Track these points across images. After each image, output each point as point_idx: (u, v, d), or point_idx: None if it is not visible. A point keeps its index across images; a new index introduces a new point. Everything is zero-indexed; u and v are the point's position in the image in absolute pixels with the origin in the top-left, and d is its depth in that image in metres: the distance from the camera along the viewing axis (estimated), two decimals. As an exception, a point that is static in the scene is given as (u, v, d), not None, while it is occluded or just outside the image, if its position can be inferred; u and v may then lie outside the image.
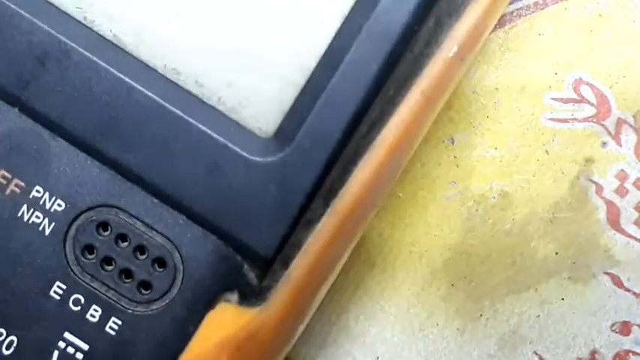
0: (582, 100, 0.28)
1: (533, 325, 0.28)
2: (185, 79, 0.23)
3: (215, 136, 0.22)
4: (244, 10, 0.23)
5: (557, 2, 0.28)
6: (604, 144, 0.28)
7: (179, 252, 0.22)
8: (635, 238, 0.28)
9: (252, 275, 0.23)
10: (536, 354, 0.28)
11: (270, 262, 0.23)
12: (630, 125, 0.28)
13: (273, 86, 0.23)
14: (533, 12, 0.29)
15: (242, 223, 0.22)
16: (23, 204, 0.22)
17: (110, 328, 0.22)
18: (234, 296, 0.22)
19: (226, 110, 0.23)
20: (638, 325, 0.28)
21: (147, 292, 0.22)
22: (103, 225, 0.22)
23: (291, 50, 0.23)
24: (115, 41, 0.23)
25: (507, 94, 0.28)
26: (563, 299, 0.28)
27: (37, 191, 0.22)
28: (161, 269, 0.22)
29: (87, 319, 0.22)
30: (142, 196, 0.22)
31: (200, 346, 0.22)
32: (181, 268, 0.22)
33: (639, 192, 0.28)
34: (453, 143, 0.29)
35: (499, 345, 0.28)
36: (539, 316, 0.28)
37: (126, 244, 0.22)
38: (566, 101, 0.28)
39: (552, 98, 0.28)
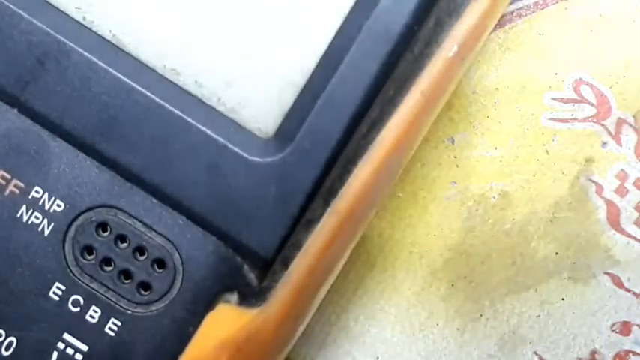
0: (582, 100, 0.28)
1: (533, 325, 0.28)
2: (184, 80, 0.23)
3: (214, 136, 0.22)
4: (244, 10, 0.23)
5: (557, 2, 0.28)
6: (604, 144, 0.28)
7: (179, 253, 0.22)
8: (635, 238, 0.28)
9: (251, 276, 0.23)
10: (536, 354, 0.28)
11: (270, 263, 0.22)
12: (630, 125, 0.28)
13: (273, 86, 0.23)
14: (533, 12, 0.29)
15: (242, 223, 0.22)
16: (22, 204, 0.22)
17: (109, 328, 0.22)
18: (233, 297, 0.22)
19: (226, 110, 0.23)
20: (638, 325, 0.28)
21: (146, 292, 0.22)
22: (103, 225, 0.22)
23: (291, 50, 0.23)
24: (114, 41, 0.23)
25: (507, 94, 0.28)
26: (563, 299, 0.28)
27: (37, 192, 0.22)
28: (161, 270, 0.22)
29: (86, 320, 0.22)
30: (142, 197, 0.22)
31: (200, 347, 0.22)
32: (181, 268, 0.22)
33: (639, 192, 0.28)
34: (453, 143, 0.29)
35: (499, 345, 0.28)
36: (539, 316, 0.28)
37: (125, 244, 0.22)
38: (566, 101, 0.28)
39: (552, 98, 0.28)
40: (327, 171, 0.22)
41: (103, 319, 0.22)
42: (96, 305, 0.22)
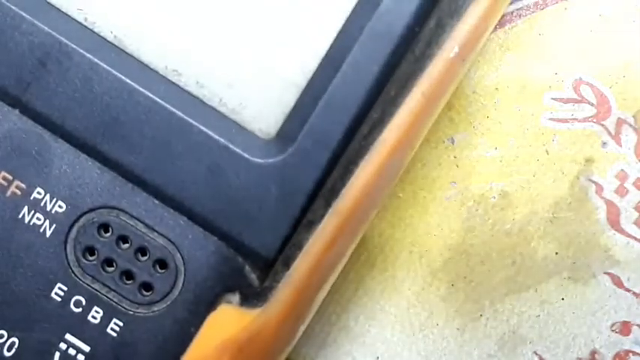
0: (582, 100, 0.28)
1: (533, 325, 0.28)
2: (186, 80, 0.23)
3: (216, 137, 0.22)
4: (245, 11, 0.23)
5: (557, 2, 0.28)
6: (604, 144, 0.28)
7: (180, 253, 0.22)
8: (635, 238, 0.28)
9: (253, 276, 0.23)
10: (536, 354, 0.28)
11: (272, 263, 0.23)
12: (630, 125, 0.28)
13: (275, 87, 0.23)
14: (533, 12, 0.29)
15: (243, 224, 0.22)
16: (24, 206, 0.22)
17: (111, 329, 0.22)
18: (235, 297, 0.22)
19: (227, 111, 0.23)
20: (638, 325, 0.28)
21: (148, 293, 0.22)
22: (104, 226, 0.22)
23: (293, 51, 0.23)
24: (115, 42, 0.23)
25: (507, 94, 0.28)
26: (563, 299, 0.28)
27: (38, 193, 0.22)
28: (162, 271, 0.22)
29: (88, 321, 0.22)
30: (143, 198, 0.22)
31: (201, 348, 0.22)
32: (182, 269, 0.22)
33: (639, 192, 0.28)
34: (453, 143, 0.29)
35: (499, 345, 0.28)
36: (539, 316, 0.28)
37: (127, 245, 0.22)
38: (566, 101, 0.28)
39: (552, 98, 0.28)
40: (328, 171, 0.22)
41: (105, 320, 0.22)
42: (98, 306, 0.22)
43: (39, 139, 0.22)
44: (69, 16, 0.23)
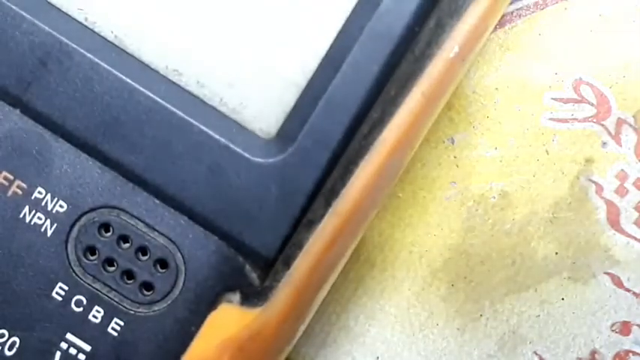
0: (582, 100, 0.28)
1: (533, 325, 0.28)
2: (186, 80, 0.23)
3: (216, 136, 0.22)
4: (245, 11, 0.23)
5: (557, 2, 0.28)
6: (604, 144, 0.28)
7: (181, 253, 0.22)
8: (635, 238, 0.28)
9: (253, 276, 0.23)
10: (536, 354, 0.28)
11: (272, 263, 0.23)
12: (630, 125, 0.28)
13: (275, 87, 0.23)
14: (533, 12, 0.29)
15: (244, 223, 0.22)
16: (25, 205, 0.22)
17: (112, 329, 0.22)
18: (235, 297, 0.23)
19: (228, 111, 0.23)
20: (638, 325, 0.28)
21: (149, 293, 0.22)
22: (105, 226, 0.22)
23: (293, 51, 0.23)
24: (116, 42, 0.23)
25: (507, 94, 0.28)
26: (563, 299, 0.28)
27: (39, 192, 0.22)
28: (163, 270, 0.22)
29: (89, 320, 0.22)
30: (144, 197, 0.22)
31: (202, 347, 0.22)
32: (183, 268, 0.22)
33: (639, 192, 0.28)
34: (453, 143, 0.29)
35: (499, 345, 0.28)
36: (539, 316, 0.28)
37: (128, 245, 0.22)
38: (566, 101, 0.28)
39: (552, 98, 0.28)
40: (328, 171, 0.22)
41: (106, 320, 0.22)
42: (99, 305, 0.22)
43: (40, 138, 0.22)
44: (69, 16, 0.23)
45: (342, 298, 0.29)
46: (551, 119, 0.28)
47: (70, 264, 0.22)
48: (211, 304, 0.22)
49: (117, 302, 0.22)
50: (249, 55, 0.23)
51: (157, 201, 0.22)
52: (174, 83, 0.23)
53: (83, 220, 0.22)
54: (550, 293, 0.28)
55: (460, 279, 0.29)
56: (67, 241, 0.22)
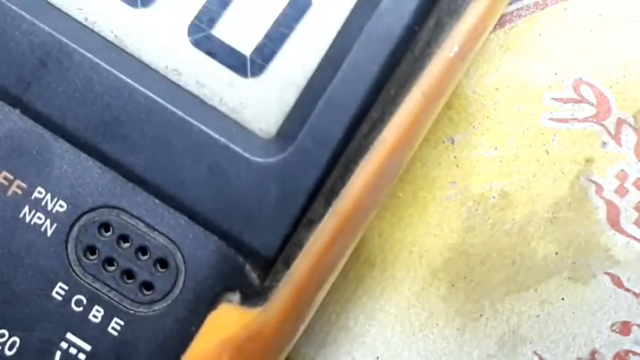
0: (582, 100, 0.28)
1: (533, 325, 0.28)
2: (186, 80, 0.23)
3: (216, 136, 0.22)
4: (245, 11, 0.23)
5: (557, 2, 0.28)
6: (604, 144, 0.28)
7: (181, 252, 0.22)
8: (635, 238, 0.28)
9: (253, 275, 0.23)
10: (536, 354, 0.28)
11: (272, 263, 0.23)
12: (630, 125, 0.28)
13: (275, 87, 0.23)
14: (533, 12, 0.29)
15: (244, 223, 0.22)
16: (25, 205, 0.22)
17: (112, 328, 0.22)
18: (235, 296, 0.23)
19: (227, 111, 0.23)
20: (638, 325, 0.28)
21: (149, 292, 0.22)
22: (105, 226, 0.22)
23: (293, 51, 0.23)
24: (116, 42, 0.23)
25: (507, 94, 0.28)
26: (563, 299, 0.28)
27: (39, 192, 0.22)
28: (163, 270, 0.22)
29: (89, 320, 0.22)
30: (144, 197, 0.22)
31: (202, 347, 0.22)
32: (183, 268, 0.22)
33: (639, 192, 0.28)
34: (453, 143, 0.29)
35: (499, 345, 0.28)
36: (539, 316, 0.28)
37: (128, 244, 0.22)
38: (566, 101, 0.28)
39: (552, 98, 0.28)
40: (328, 171, 0.22)
41: (106, 319, 0.22)
42: (99, 305, 0.22)
43: (40, 138, 0.22)
44: (69, 16, 0.23)
45: (342, 298, 0.29)
46: (551, 119, 0.28)
47: (70, 264, 0.22)
48: (211, 304, 0.22)
49: (117, 302, 0.22)
50: (249, 55, 0.23)
51: (157, 201, 0.22)
52: (174, 83, 0.23)
53: (83, 219, 0.22)
54: (550, 293, 0.28)
55: (460, 279, 0.29)
56: (67, 241, 0.22)
